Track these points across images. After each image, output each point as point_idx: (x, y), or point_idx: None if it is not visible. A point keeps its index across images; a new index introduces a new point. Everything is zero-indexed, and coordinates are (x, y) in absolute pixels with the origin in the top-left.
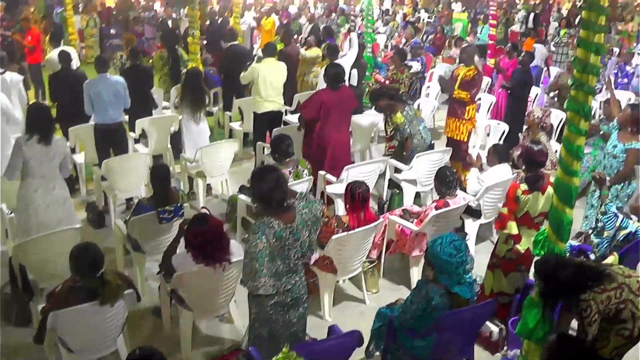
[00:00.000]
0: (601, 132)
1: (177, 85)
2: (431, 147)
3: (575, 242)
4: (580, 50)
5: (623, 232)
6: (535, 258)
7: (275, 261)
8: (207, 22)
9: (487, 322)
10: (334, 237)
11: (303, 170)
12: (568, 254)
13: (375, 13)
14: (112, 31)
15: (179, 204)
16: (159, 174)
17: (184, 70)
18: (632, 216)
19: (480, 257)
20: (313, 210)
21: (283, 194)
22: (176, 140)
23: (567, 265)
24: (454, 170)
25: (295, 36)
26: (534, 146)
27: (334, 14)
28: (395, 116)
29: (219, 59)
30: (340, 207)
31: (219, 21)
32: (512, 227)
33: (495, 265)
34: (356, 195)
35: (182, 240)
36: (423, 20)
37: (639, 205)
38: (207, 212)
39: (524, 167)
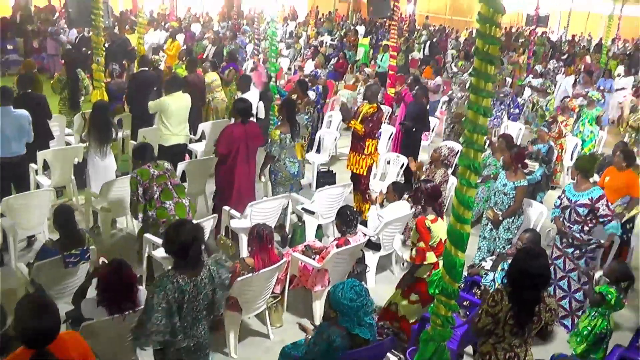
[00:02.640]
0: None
1: (79, 113)
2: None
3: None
4: (472, 112)
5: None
6: None
7: (172, 318)
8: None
9: (388, 354)
10: (239, 279)
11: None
12: (462, 285)
13: (279, 35)
14: (9, 46)
15: (85, 247)
16: (63, 218)
17: (82, 98)
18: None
19: (380, 287)
20: (221, 274)
21: (198, 251)
22: (79, 171)
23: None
24: (354, 208)
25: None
26: (427, 185)
27: (238, 34)
28: (274, 132)
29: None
30: (244, 242)
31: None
32: (431, 257)
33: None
34: (264, 237)
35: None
36: (326, 43)
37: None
38: (120, 261)
39: (423, 202)
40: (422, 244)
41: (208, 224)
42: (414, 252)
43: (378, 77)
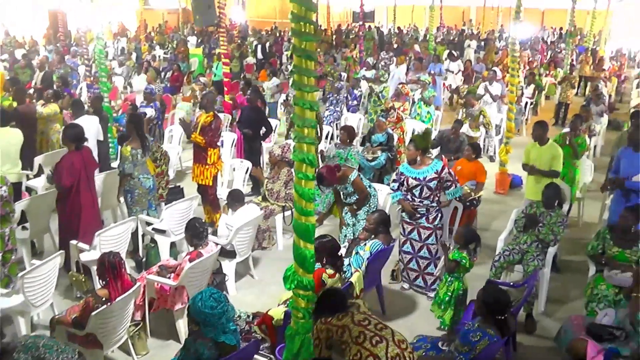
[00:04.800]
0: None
1: None
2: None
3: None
4: (298, 107)
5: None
6: None
7: None
8: None
9: (256, 356)
10: (93, 313)
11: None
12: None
13: (110, 52)
14: None
15: None
16: None
17: None
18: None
19: (242, 293)
20: None
21: None
22: None
23: None
24: (203, 220)
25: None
26: (323, 241)
27: (67, 57)
28: (125, 148)
29: None
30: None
31: None
32: None
33: None
34: (115, 264)
35: None
36: (159, 57)
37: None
38: None
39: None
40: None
41: (55, 262)
42: None
43: (215, 85)
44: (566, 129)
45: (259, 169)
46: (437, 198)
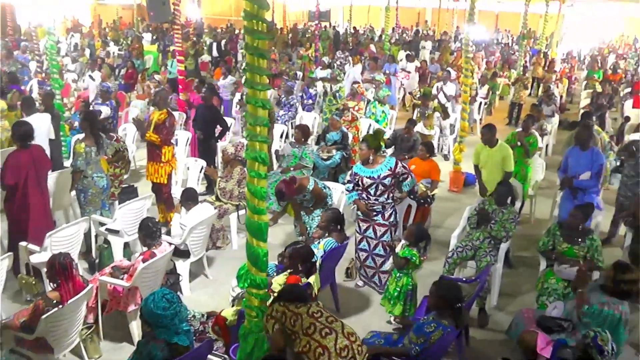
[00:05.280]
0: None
1: None
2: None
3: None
4: (251, 106)
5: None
6: None
7: None
8: None
9: (209, 356)
10: (43, 316)
11: None
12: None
13: (63, 48)
14: None
15: None
16: None
17: None
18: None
19: (196, 293)
20: None
21: None
22: None
23: None
24: (157, 219)
25: None
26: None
27: (16, 52)
28: (79, 145)
29: None
30: None
31: None
32: None
33: None
34: (67, 265)
35: None
36: (114, 54)
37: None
38: None
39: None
40: None
41: (3, 264)
42: None
43: (169, 83)
44: (519, 129)
45: (212, 168)
46: (392, 195)
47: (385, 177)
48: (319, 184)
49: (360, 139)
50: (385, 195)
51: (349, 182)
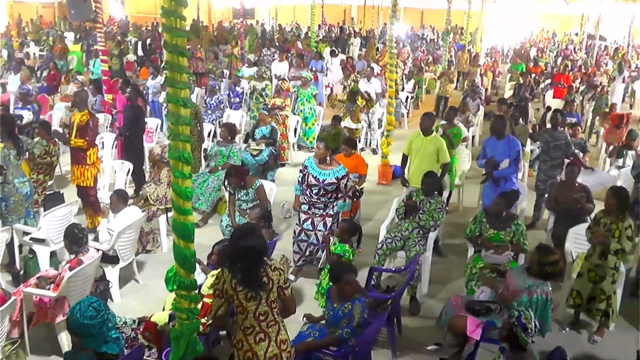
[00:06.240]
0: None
1: None
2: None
3: None
4: (172, 105)
5: None
6: None
7: None
8: None
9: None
10: None
11: None
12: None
13: None
14: None
15: None
16: None
17: None
18: None
19: (127, 300)
20: None
21: None
22: None
23: None
24: (84, 225)
25: None
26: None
27: None
28: None
29: None
30: None
31: None
32: None
33: None
34: None
35: None
36: (34, 54)
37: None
38: None
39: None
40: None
41: None
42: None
43: (93, 84)
44: (443, 121)
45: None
46: (335, 196)
47: (329, 184)
48: (265, 190)
49: (289, 136)
50: (328, 196)
51: (300, 171)
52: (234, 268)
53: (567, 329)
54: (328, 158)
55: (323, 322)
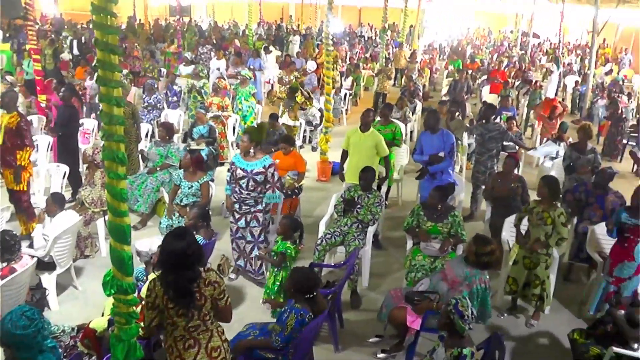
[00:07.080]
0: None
1: None
2: None
3: None
4: (105, 104)
5: None
6: None
7: None
8: None
9: None
10: None
11: None
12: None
13: None
14: None
15: None
16: None
17: None
18: None
19: (65, 307)
20: None
21: None
22: None
23: None
24: (17, 232)
25: None
26: None
27: None
28: None
29: None
30: None
31: None
32: None
33: None
34: None
35: None
36: None
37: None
38: None
39: None
40: None
41: None
42: None
43: (27, 85)
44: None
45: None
46: (264, 191)
47: (257, 174)
48: (210, 187)
49: (228, 135)
50: (258, 190)
51: (228, 170)
52: (166, 281)
53: (505, 314)
54: (252, 150)
55: (263, 322)
